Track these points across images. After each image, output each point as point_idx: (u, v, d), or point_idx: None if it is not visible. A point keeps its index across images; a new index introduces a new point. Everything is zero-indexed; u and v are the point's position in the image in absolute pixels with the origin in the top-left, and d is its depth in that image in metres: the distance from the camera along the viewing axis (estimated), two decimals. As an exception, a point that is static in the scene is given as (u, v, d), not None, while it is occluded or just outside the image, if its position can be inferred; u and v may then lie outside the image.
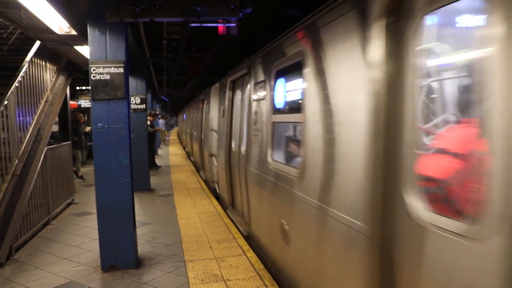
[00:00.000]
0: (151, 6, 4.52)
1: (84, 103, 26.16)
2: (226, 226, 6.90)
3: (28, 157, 6.73)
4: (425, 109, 2.87)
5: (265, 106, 5.04)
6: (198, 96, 15.18)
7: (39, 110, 7.63)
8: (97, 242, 5.15)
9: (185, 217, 7.60)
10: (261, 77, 5.27)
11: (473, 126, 2.11)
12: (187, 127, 20.72)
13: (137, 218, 5.60)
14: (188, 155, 19.12)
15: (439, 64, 2.79)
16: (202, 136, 12.09)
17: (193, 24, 5.13)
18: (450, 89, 2.90)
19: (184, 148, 22.78)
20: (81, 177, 12.10)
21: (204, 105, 12.30)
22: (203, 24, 5.00)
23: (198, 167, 13.86)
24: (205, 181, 11.34)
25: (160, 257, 5.53)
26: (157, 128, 15.54)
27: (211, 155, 9.90)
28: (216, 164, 9.15)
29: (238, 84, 7.25)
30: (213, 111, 9.93)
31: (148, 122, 14.63)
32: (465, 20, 2.52)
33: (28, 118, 7.08)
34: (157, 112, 18.60)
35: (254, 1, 6.01)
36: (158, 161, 16.00)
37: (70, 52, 8.15)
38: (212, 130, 10.02)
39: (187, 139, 20.77)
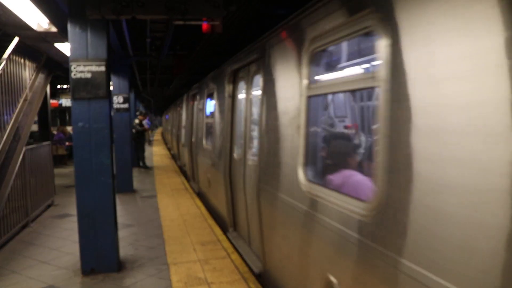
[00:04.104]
0: (134, 3, 4.42)
1: (65, 102, 25.76)
2: (210, 228, 6.81)
3: (5, 157, 6.53)
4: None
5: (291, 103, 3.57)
6: (192, 89, 12.04)
7: (18, 109, 7.42)
8: (77, 245, 5.00)
9: (169, 218, 7.48)
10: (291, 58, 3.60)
11: None
12: (174, 128, 17.95)
13: (119, 220, 5.48)
14: (175, 158, 17.38)
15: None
16: (193, 139, 10.23)
17: (176, 22, 5.03)
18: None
19: (169, 150, 22.20)
20: None
21: (196, 103, 10.26)
22: (187, 22, 4.91)
23: (188, 176, 11.74)
24: (198, 194, 9.42)
25: (142, 260, 5.41)
26: (146, 127, 15.42)
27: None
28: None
29: (242, 75, 5.67)
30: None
31: (137, 121, 14.59)
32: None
33: (6, 117, 6.88)
34: (145, 112, 18.52)
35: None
36: (141, 162, 15.80)
37: (50, 50, 7.96)
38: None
39: (173, 141, 18.59)
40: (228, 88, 6.09)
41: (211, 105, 7.90)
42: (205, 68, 11.64)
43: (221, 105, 6.62)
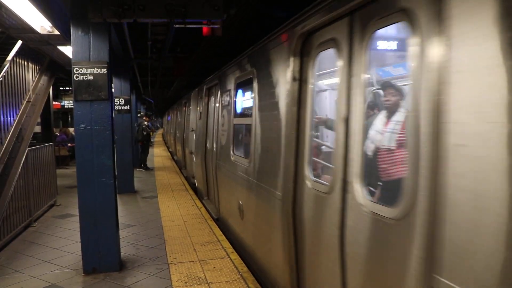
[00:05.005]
0: (135, 6, 4.50)
1: (68, 103, 25.87)
2: (210, 228, 6.88)
3: (9, 158, 6.61)
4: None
5: None
6: (208, 81, 9.01)
7: (21, 111, 7.50)
8: (79, 245, 5.07)
9: (169, 219, 7.55)
10: None
11: None
12: (179, 131, 15.27)
13: (120, 220, 5.56)
14: (179, 165, 15.50)
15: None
16: (209, 146, 8.05)
17: (177, 25, 5.10)
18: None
19: (171, 154, 21.92)
20: None
21: (214, 98, 7.80)
22: (187, 25, 4.98)
23: (200, 192, 9.57)
24: (218, 220, 7.25)
25: (143, 259, 5.48)
26: (153, 128, 15.71)
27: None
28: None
29: (331, 36, 3.08)
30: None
31: (146, 123, 14.76)
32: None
33: (9, 118, 6.96)
34: (150, 113, 18.87)
35: (239, 2, 6.02)
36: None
37: (53, 52, 8.05)
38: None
39: (176, 145, 16.45)
40: (294, 67, 3.62)
41: (245, 99, 5.79)
42: (206, 69, 11.73)
43: (270, 96, 4.28)
